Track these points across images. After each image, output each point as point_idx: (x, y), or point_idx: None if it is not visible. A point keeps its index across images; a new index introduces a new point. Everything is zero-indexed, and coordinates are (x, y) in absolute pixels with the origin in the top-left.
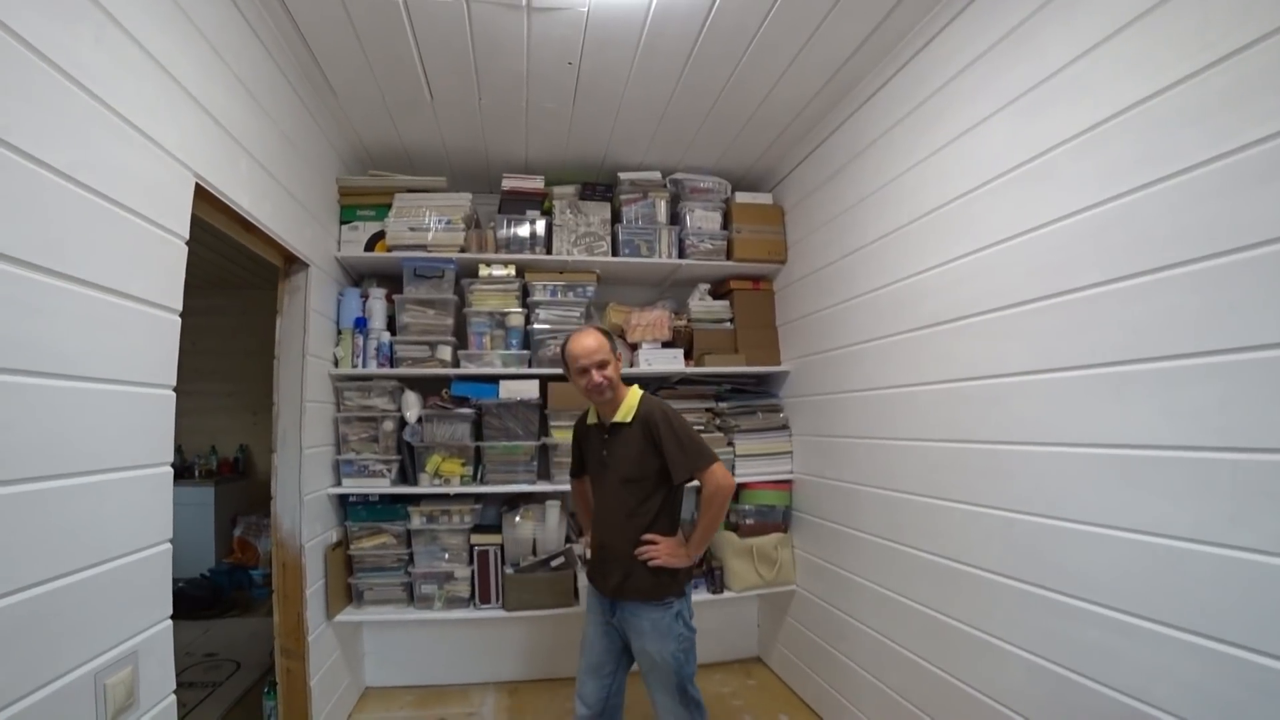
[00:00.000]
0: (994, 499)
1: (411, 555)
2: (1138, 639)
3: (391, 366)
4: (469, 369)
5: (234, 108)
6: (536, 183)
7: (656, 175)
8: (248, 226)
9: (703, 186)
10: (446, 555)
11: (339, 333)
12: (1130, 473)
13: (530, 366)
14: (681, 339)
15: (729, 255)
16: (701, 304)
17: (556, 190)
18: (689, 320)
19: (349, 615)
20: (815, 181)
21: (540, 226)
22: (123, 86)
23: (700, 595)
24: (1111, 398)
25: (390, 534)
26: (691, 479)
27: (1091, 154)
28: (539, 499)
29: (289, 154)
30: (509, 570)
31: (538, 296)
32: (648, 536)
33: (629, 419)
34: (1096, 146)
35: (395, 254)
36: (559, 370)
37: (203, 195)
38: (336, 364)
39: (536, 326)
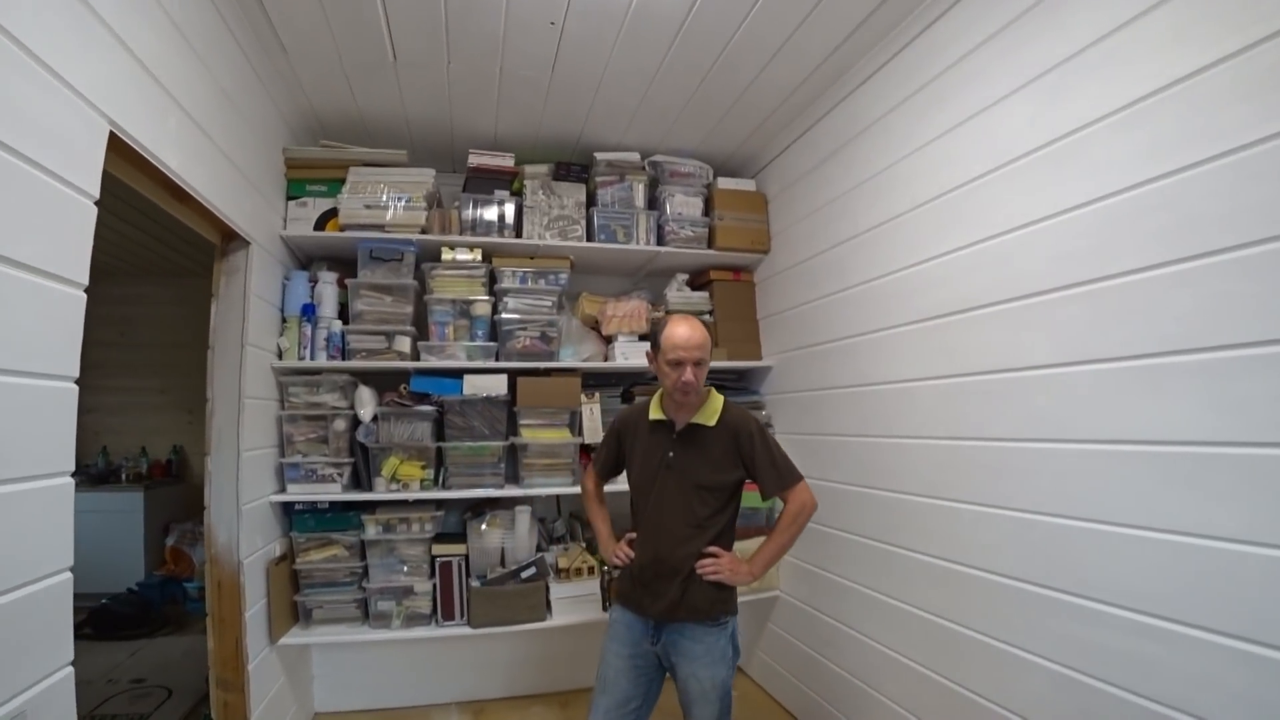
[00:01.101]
0: (1011, 500)
1: (366, 568)
2: (1178, 647)
3: (343, 359)
4: (430, 362)
5: (163, 51)
6: (506, 160)
7: (635, 157)
8: (178, 194)
9: (683, 170)
10: (405, 568)
11: (284, 321)
12: (1170, 471)
13: (498, 360)
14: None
15: (710, 244)
16: (679, 295)
17: (528, 169)
18: (666, 312)
19: (295, 637)
20: (802, 168)
21: (509, 208)
22: (16, 5)
23: None
24: (1149, 391)
25: (342, 545)
26: (776, 496)
27: (1128, 133)
28: (507, 504)
29: (229, 114)
30: (475, 583)
31: (506, 284)
32: (710, 549)
33: (712, 422)
34: (1134, 125)
35: (349, 234)
36: (528, 364)
37: (120, 150)
38: (281, 356)
39: (504, 316)
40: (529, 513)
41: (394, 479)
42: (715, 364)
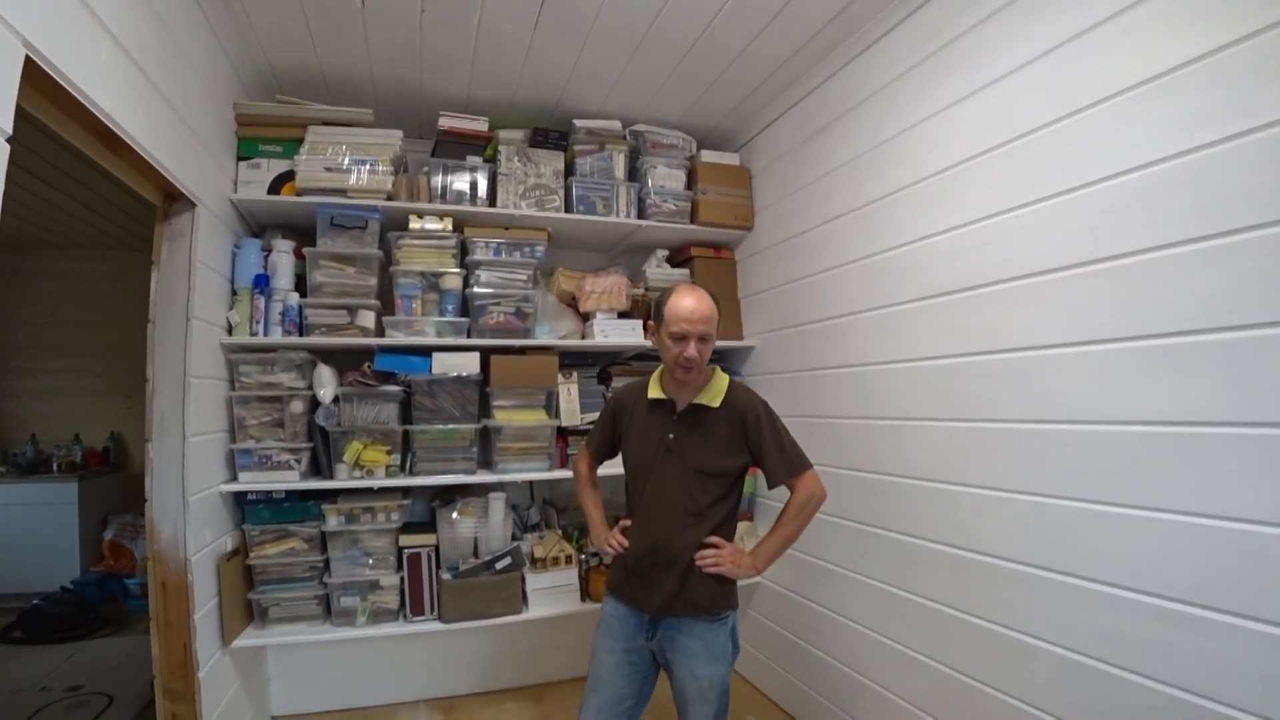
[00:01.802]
0: (1019, 483)
1: (327, 562)
2: (1201, 631)
3: (301, 335)
4: (396, 338)
5: None
6: (480, 124)
7: (616, 125)
8: (113, 143)
9: (665, 142)
10: (370, 561)
11: (234, 293)
12: (1193, 452)
13: (469, 336)
14: (639, 309)
15: (693, 218)
16: (659, 271)
17: (502, 134)
18: (646, 289)
19: (250, 639)
20: (791, 142)
21: (482, 176)
22: None
23: None
24: (1171, 371)
25: (300, 538)
26: (784, 484)
27: (1150, 109)
28: (479, 491)
29: (173, 56)
30: (446, 575)
31: (478, 255)
32: (711, 539)
33: (716, 403)
34: (1156, 100)
35: (307, 199)
36: (502, 341)
37: (40, 83)
38: (231, 331)
39: (477, 290)
40: (503, 500)
41: (357, 465)
42: None
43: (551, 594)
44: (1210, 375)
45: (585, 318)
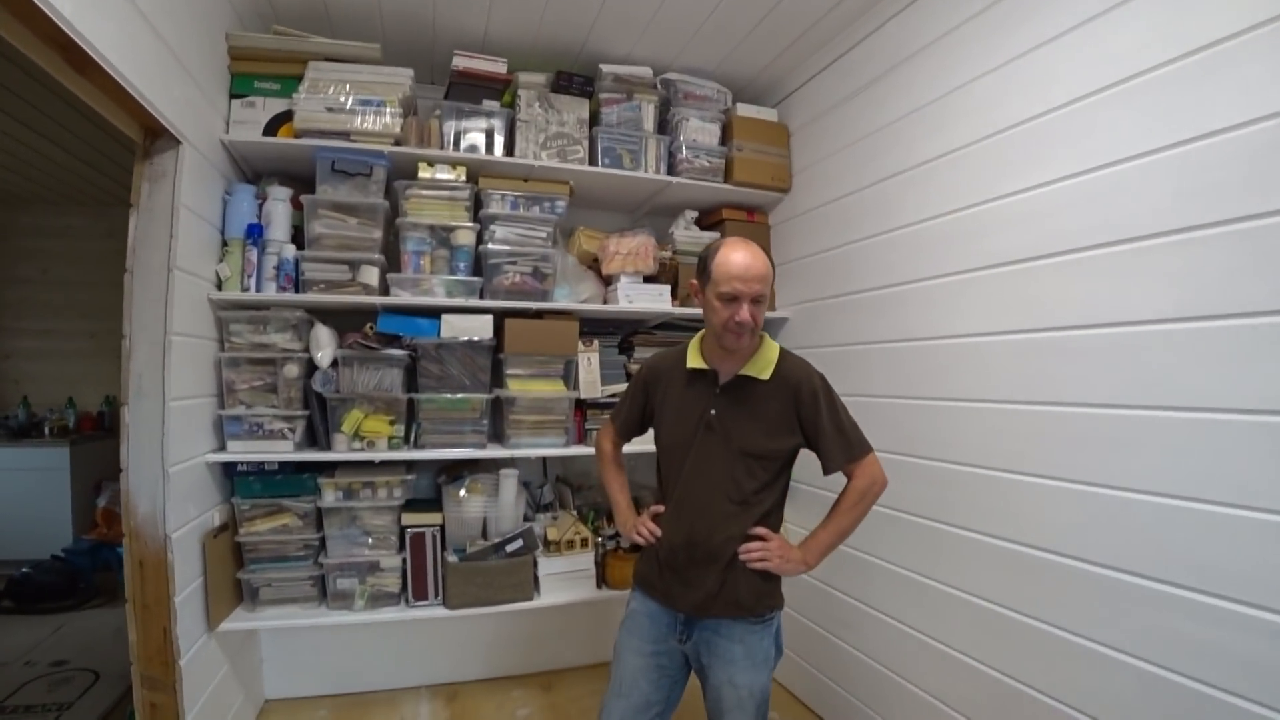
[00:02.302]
0: (1102, 475)
1: (323, 541)
2: None
3: (297, 291)
4: (402, 298)
5: None
6: (498, 66)
7: (646, 73)
8: (78, 61)
9: (699, 93)
10: (370, 540)
11: (224, 244)
12: None
13: (482, 297)
14: (666, 274)
15: (727, 177)
16: (688, 234)
17: (522, 78)
18: (674, 252)
19: (238, 622)
20: (837, 96)
21: (499, 122)
22: None
23: None
24: None
25: (294, 513)
26: (841, 470)
27: None
28: (489, 467)
29: None
30: (452, 558)
31: (494, 209)
32: (757, 531)
33: (765, 375)
34: None
35: (306, 141)
36: (517, 304)
37: None
38: (220, 285)
39: (491, 247)
40: (515, 477)
41: (357, 436)
42: None
43: (565, 580)
44: None
45: (608, 281)
